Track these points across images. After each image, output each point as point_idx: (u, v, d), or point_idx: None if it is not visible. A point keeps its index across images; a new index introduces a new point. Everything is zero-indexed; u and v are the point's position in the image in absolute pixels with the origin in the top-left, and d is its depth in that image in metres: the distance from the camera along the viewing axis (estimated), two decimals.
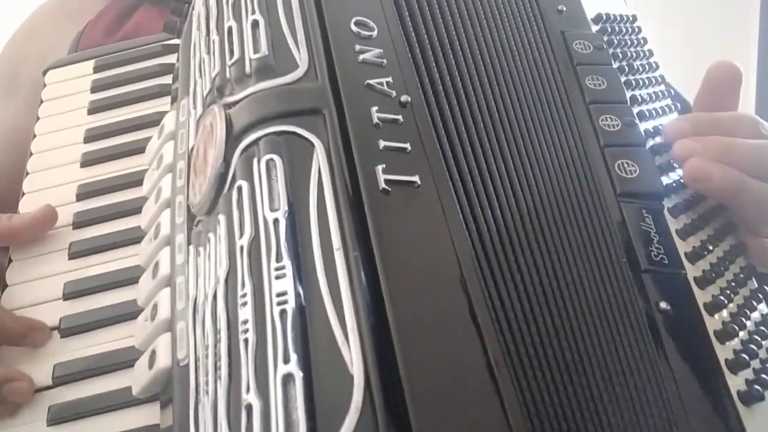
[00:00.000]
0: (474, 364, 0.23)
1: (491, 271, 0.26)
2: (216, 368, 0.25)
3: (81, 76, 0.55)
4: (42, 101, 0.53)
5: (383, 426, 0.21)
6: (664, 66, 0.44)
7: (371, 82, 0.32)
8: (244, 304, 0.25)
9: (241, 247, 0.26)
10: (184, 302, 0.32)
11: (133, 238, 0.43)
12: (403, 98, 0.32)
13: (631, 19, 0.43)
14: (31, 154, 0.50)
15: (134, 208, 0.44)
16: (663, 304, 0.31)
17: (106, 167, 0.48)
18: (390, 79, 0.33)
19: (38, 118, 0.52)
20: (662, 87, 0.41)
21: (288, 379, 0.22)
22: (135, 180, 0.46)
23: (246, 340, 0.24)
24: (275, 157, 0.28)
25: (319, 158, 0.28)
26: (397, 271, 0.25)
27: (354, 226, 0.26)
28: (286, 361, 0.23)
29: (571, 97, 0.37)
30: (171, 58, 0.53)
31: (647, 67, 0.42)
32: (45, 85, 0.54)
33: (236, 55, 0.34)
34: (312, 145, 0.29)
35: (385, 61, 0.33)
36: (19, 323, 0.40)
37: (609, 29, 0.42)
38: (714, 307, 0.32)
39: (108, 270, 0.42)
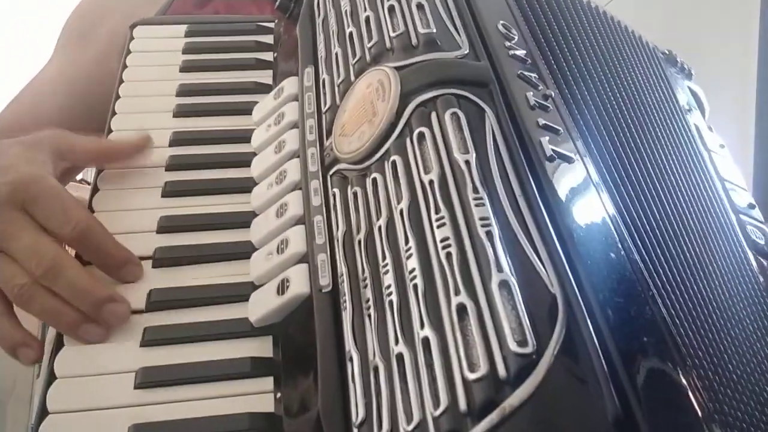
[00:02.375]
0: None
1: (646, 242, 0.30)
2: (399, 285, 0.27)
3: (172, 37, 0.56)
4: (129, 51, 0.54)
5: (588, 337, 0.23)
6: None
7: (523, 72, 0.36)
8: (442, 225, 0.27)
9: (430, 181, 0.29)
10: (324, 237, 0.34)
11: (228, 187, 0.44)
12: (548, 92, 0.36)
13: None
14: (119, 96, 0.51)
15: (229, 161, 0.46)
16: None
17: (198, 121, 0.49)
18: (535, 75, 0.37)
19: (125, 66, 0.53)
20: None
21: (504, 285, 0.25)
22: (229, 137, 0.47)
23: (449, 254, 0.26)
24: (458, 111, 0.32)
25: (492, 122, 0.32)
26: (571, 223, 0.28)
27: (530, 180, 0.29)
28: (500, 270, 0.25)
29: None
30: (265, 38, 0.56)
31: None
32: (132, 38, 0.56)
33: (400, 29, 0.37)
34: (483, 110, 0.33)
35: (529, 60, 0.38)
36: (120, 251, 0.39)
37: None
38: None
39: (201, 212, 0.43)
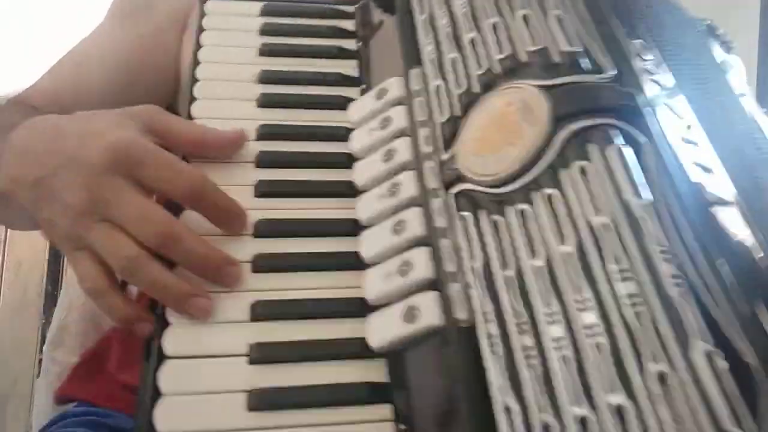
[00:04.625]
0: None
1: None
2: (571, 339, 0.26)
3: (247, 15, 0.53)
4: (203, 28, 0.51)
5: None
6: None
7: (666, 101, 0.34)
8: (627, 278, 0.26)
9: (604, 225, 0.27)
10: (455, 265, 0.32)
11: (326, 191, 0.42)
12: (690, 121, 0.35)
13: None
14: (197, 80, 0.47)
15: (323, 162, 0.43)
16: None
17: (285, 113, 0.46)
18: (675, 102, 0.35)
19: (201, 45, 0.50)
20: None
21: (708, 355, 0.23)
22: (321, 133, 0.45)
23: (639, 314, 0.25)
24: (623, 147, 0.30)
25: (653, 161, 0.30)
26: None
27: (703, 230, 0.28)
28: (702, 337, 0.24)
29: None
30: (343, 23, 0.53)
31: None
32: (204, 14, 0.52)
33: (540, 43, 0.35)
34: (641, 146, 0.31)
35: (668, 85, 0.36)
36: (234, 204, 0.38)
37: None
38: None
39: (299, 216, 0.41)
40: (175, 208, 0.40)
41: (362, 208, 0.39)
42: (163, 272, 0.35)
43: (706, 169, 0.32)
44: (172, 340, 0.35)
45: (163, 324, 0.36)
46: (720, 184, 0.32)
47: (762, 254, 0.29)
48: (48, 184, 0.37)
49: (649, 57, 0.37)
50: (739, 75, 0.52)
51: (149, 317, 0.36)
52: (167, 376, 0.34)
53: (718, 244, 0.28)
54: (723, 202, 0.31)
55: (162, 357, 0.34)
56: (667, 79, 0.37)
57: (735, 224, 0.30)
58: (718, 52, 0.50)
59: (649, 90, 0.34)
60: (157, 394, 0.33)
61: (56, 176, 0.37)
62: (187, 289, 0.35)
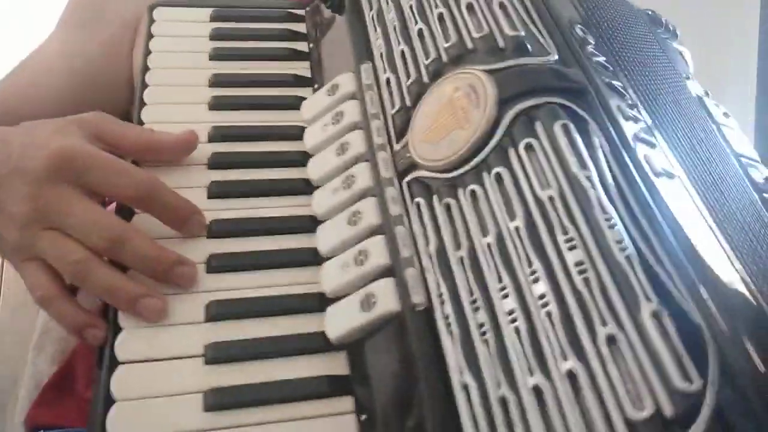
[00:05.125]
0: None
1: None
2: (523, 310, 0.26)
3: (197, 21, 0.52)
4: (152, 35, 0.50)
5: (742, 370, 0.23)
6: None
7: (610, 81, 0.35)
8: (573, 247, 0.26)
9: (550, 198, 0.28)
10: (410, 250, 0.32)
11: (280, 189, 0.42)
12: (633, 100, 0.35)
13: None
14: (146, 85, 0.47)
15: (277, 161, 0.43)
16: None
17: (237, 114, 0.46)
18: (619, 83, 0.36)
19: (150, 51, 0.49)
20: None
21: (655, 315, 0.23)
22: (275, 133, 0.45)
23: (587, 279, 0.25)
24: (568, 123, 0.30)
25: (598, 136, 0.31)
26: (692, 246, 0.28)
27: (648, 200, 0.28)
28: (648, 299, 0.24)
29: None
30: (295, 26, 0.53)
31: None
32: (153, 21, 0.52)
33: (484, 30, 0.36)
34: (587, 122, 0.31)
35: (610, 67, 0.37)
36: (185, 203, 0.37)
37: None
38: None
39: (253, 216, 0.40)
40: (126, 212, 0.39)
41: (318, 202, 0.38)
42: (113, 274, 0.35)
43: (651, 144, 0.33)
44: (124, 345, 0.34)
45: (116, 329, 0.35)
46: (665, 158, 0.33)
47: (708, 222, 0.30)
48: None
49: (590, 40, 0.37)
50: (686, 61, 0.54)
51: (101, 323, 0.35)
52: (120, 382, 0.33)
53: (663, 213, 0.28)
54: (669, 174, 0.31)
55: (114, 363, 0.33)
56: (610, 60, 0.38)
57: (680, 195, 0.31)
58: (680, 62, 0.51)
59: (592, 70, 0.34)
60: (110, 401, 0.32)
61: (1, 188, 0.36)
62: (138, 290, 0.34)
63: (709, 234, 0.29)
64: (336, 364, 0.34)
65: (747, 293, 0.27)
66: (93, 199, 0.36)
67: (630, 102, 0.35)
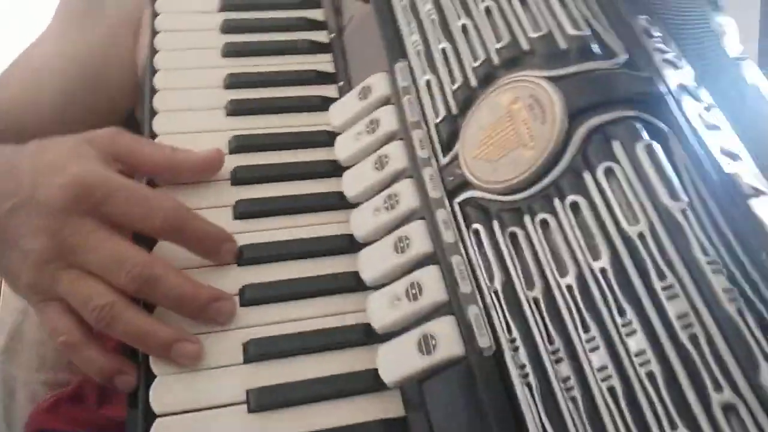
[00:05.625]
0: None
1: None
2: (617, 368, 0.23)
3: (204, 12, 0.48)
4: (156, 31, 0.46)
5: None
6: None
7: (685, 84, 0.31)
8: (673, 296, 0.23)
9: (640, 235, 0.24)
10: (470, 284, 0.29)
11: (312, 205, 0.38)
12: (709, 103, 0.32)
13: None
14: (155, 90, 0.43)
15: (306, 173, 0.39)
16: None
17: (259, 120, 0.42)
18: (694, 83, 0.32)
19: (156, 50, 0.45)
20: None
21: None
22: (301, 141, 0.41)
23: (693, 336, 0.22)
24: (653, 144, 0.27)
25: (682, 155, 0.27)
26: None
27: (737, 228, 0.25)
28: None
29: None
30: (312, 13, 0.49)
31: None
32: (156, 14, 0.47)
33: (542, 28, 0.31)
34: (668, 139, 0.28)
35: (680, 65, 0.33)
36: (216, 228, 0.34)
37: None
38: None
39: (283, 238, 0.37)
40: (146, 238, 0.36)
41: (357, 223, 0.35)
42: (143, 318, 0.32)
43: (734, 156, 0.30)
44: (159, 395, 0.31)
45: (148, 376, 0.32)
46: (750, 171, 0.30)
47: None
48: (2, 229, 0.33)
49: (657, 34, 0.33)
50: (734, 37, 0.50)
51: (131, 368, 0.33)
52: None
53: (761, 242, 0.25)
54: (758, 193, 0.28)
55: (150, 415, 0.31)
56: (678, 57, 0.34)
57: None
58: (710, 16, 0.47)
59: (665, 72, 0.31)
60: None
61: (12, 220, 0.33)
62: (171, 335, 0.31)
63: None
64: (390, 406, 0.31)
65: None
66: (116, 232, 0.33)
67: (706, 106, 0.31)
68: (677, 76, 0.31)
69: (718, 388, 0.21)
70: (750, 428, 0.21)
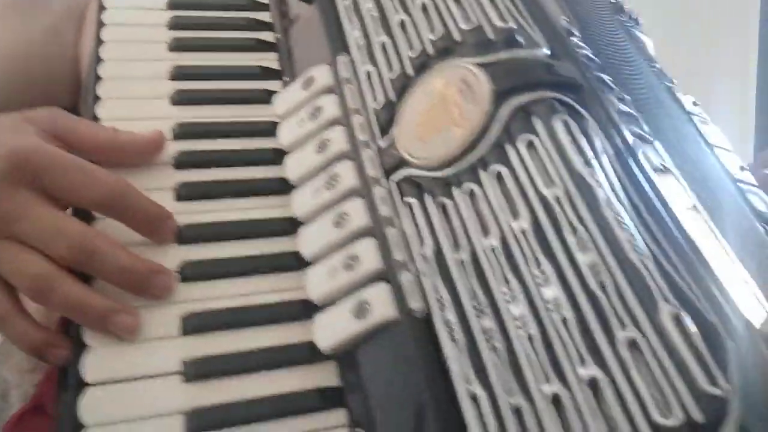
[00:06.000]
0: None
1: None
2: (535, 315, 0.25)
3: (152, 8, 0.49)
4: (103, 23, 0.46)
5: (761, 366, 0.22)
6: (663, 65, 0.48)
7: (600, 75, 0.34)
8: (585, 249, 0.25)
9: (556, 198, 0.27)
10: (404, 254, 0.31)
11: (254, 189, 0.39)
12: (622, 95, 0.35)
13: None
14: (99, 78, 0.43)
15: (249, 159, 0.40)
16: None
17: (203, 110, 0.43)
18: (609, 76, 0.35)
19: (101, 42, 0.45)
20: None
21: (674, 317, 0.23)
22: (245, 129, 0.42)
23: (602, 283, 0.24)
24: (568, 119, 0.29)
25: (597, 133, 0.30)
26: (695, 241, 0.27)
27: (651, 197, 0.28)
28: (666, 300, 0.23)
29: None
30: (260, 15, 0.50)
31: None
32: (104, 8, 0.48)
33: (473, 21, 0.34)
34: (585, 119, 0.30)
35: (596, 60, 0.36)
36: (156, 206, 0.34)
37: None
38: None
39: (227, 219, 0.37)
40: (84, 216, 0.36)
41: (298, 203, 0.36)
42: (79, 290, 0.31)
43: (645, 139, 0.33)
44: (91, 365, 0.31)
45: (80, 347, 0.32)
46: (658, 153, 0.33)
47: (707, 221, 0.29)
48: None
49: (575, 31, 0.37)
50: (651, 49, 0.54)
51: (64, 342, 0.32)
52: (89, 406, 0.30)
53: (666, 210, 0.28)
54: (665, 170, 0.31)
55: (81, 384, 0.30)
56: (594, 52, 0.37)
57: (678, 192, 0.31)
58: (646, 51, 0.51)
59: (582, 64, 0.34)
60: (78, 426, 0.29)
61: None
62: (108, 306, 0.31)
63: (708, 233, 0.29)
64: (325, 376, 0.32)
65: (748, 291, 0.27)
66: (55, 204, 0.33)
67: (620, 96, 0.35)
68: (593, 68, 0.35)
69: (622, 326, 0.23)
70: (649, 360, 0.23)
